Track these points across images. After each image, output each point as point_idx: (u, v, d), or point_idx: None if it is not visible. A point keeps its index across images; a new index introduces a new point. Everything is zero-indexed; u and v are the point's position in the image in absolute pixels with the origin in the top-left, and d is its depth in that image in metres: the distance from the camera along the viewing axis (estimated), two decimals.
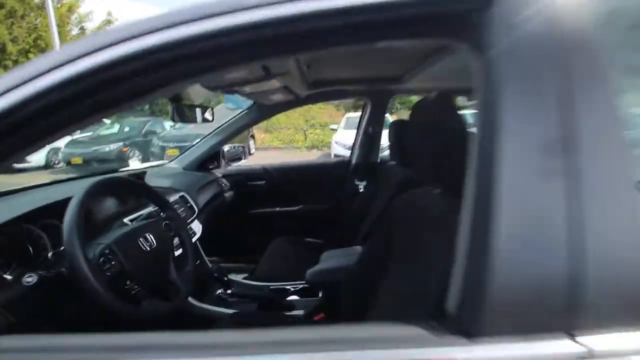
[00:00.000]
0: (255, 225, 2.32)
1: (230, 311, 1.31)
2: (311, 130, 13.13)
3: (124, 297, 0.81)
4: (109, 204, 1.18)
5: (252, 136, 10.65)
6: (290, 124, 13.86)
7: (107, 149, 8.44)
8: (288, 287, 1.52)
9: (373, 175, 2.06)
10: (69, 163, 8.36)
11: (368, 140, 2.15)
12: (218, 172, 2.21)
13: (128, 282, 0.80)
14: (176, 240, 1.17)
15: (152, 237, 0.94)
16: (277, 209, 2.31)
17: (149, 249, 0.91)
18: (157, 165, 2.11)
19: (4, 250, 0.87)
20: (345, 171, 2.29)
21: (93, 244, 0.80)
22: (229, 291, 1.40)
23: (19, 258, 0.89)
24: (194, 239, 1.49)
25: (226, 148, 2.41)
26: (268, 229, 2.32)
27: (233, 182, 2.25)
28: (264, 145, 11.98)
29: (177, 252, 1.23)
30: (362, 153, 2.20)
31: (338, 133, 8.34)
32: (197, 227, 1.58)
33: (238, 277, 1.59)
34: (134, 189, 1.09)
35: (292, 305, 1.35)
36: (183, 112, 1.38)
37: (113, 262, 0.80)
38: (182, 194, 1.58)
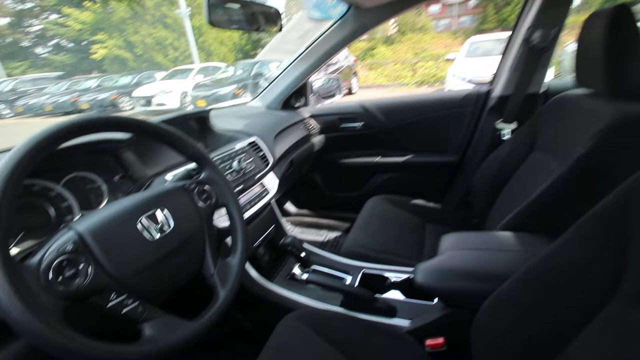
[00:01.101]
0: (349, 178, 1.89)
1: (304, 299, 0.96)
2: (421, 64, 11.41)
3: (107, 327, 0.49)
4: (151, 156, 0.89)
5: (355, 73, 9.85)
6: (397, 58, 12.35)
7: (223, 92, 9.07)
8: (388, 273, 1.07)
9: (530, 114, 1.30)
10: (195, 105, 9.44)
11: (529, 57, 1.34)
12: (306, 112, 1.79)
13: (113, 297, 0.48)
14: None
15: (166, 214, 0.59)
16: (378, 159, 1.80)
17: (157, 235, 0.56)
18: (239, 104, 1.81)
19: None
20: (479, 109, 1.57)
21: (59, 231, 0.48)
22: (304, 276, 1.04)
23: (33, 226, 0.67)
24: (266, 198, 1.15)
25: (316, 80, 1.94)
26: (364, 184, 1.86)
27: (324, 123, 1.81)
28: (366, 83, 11.07)
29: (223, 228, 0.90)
30: (512, 80, 1.42)
31: (457, 63, 6.84)
32: (271, 182, 1.23)
33: (322, 253, 1.22)
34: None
35: (390, 309, 0.91)
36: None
37: (81, 266, 0.48)
38: (253, 139, 1.22)
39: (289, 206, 2.05)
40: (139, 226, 0.54)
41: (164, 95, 9.44)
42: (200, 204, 0.67)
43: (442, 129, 1.67)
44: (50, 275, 0.43)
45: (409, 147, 1.76)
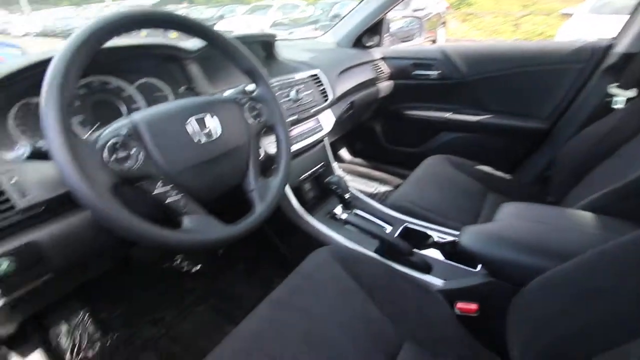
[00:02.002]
0: (411, 132, 1.76)
1: (339, 238, 0.96)
2: (528, 18, 9.64)
3: (151, 213, 0.54)
4: None
5: (444, 23, 8.76)
6: (499, 9, 10.59)
7: (298, 33, 8.89)
8: (432, 232, 1.02)
9: None
10: None
11: None
12: (378, 52, 1.65)
13: (159, 185, 0.51)
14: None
15: (215, 121, 0.59)
16: (448, 115, 1.62)
17: (203, 139, 0.57)
18: (309, 38, 1.73)
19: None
20: (591, 67, 1.29)
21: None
22: (343, 215, 1.03)
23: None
24: (319, 134, 1.12)
25: (395, 22, 1.75)
26: (426, 141, 1.73)
27: (395, 68, 1.66)
28: (455, 36, 9.82)
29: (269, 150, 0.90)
30: None
31: (575, 20, 5.62)
32: (327, 119, 1.19)
33: (367, 200, 1.18)
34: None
35: (426, 266, 0.87)
36: None
37: (133, 150, 0.51)
38: (315, 71, 1.17)
39: (343, 153, 2.01)
40: (188, 127, 0.56)
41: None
42: (250, 120, 0.67)
43: (536, 88, 1.41)
44: (105, 153, 0.47)
45: (488, 106, 1.55)
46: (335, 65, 1.32)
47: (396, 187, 1.82)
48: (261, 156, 0.89)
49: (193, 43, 0.89)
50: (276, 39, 1.16)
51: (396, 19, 1.84)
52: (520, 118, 1.48)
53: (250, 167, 0.66)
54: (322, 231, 0.99)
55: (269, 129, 0.72)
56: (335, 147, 1.98)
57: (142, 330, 1.05)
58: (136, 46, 0.76)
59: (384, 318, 0.67)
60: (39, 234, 0.58)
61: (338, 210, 1.09)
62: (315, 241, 1.00)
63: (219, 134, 0.59)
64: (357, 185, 1.86)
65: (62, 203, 0.58)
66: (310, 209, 1.12)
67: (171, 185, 0.52)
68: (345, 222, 0.92)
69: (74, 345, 0.99)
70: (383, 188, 1.83)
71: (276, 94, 0.96)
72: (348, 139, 1.96)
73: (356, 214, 1.09)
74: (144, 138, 0.51)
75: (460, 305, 0.77)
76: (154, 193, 0.51)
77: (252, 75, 0.69)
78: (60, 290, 0.78)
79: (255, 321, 0.63)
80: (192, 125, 0.56)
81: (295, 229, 1.03)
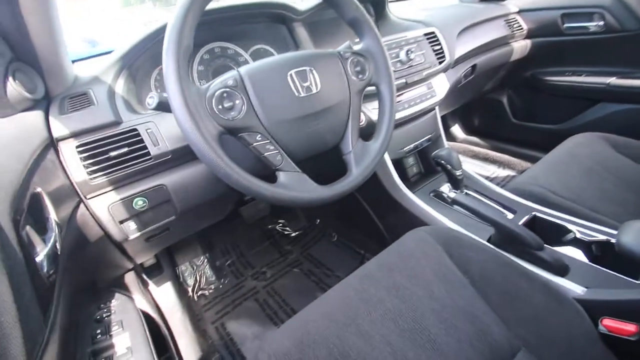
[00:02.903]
0: (551, 104, 1.41)
1: (443, 219, 0.84)
2: None
3: (256, 164, 0.54)
4: None
5: None
6: None
7: None
8: (572, 226, 0.79)
9: None
10: None
11: None
12: (513, 5, 1.36)
13: (259, 138, 0.51)
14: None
15: (315, 75, 0.56)
16: (612, 80, 1.23)
17: (303, 92, 0.54)
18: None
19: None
20: None
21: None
22: (452, 194, 0.90)
23: None
24: (430, 101, 0.99)
25: None
26: (573, 116, 1.36)
27: (536, 23, 1.34)
28: None
29: (371, 116, 0.82)
30: None
31: None
32: (441, 84, 1.04)
33: (483, 181, 1.00)
34: None
35: (561, 266, 0.68)
36: None
37: (237, 101, 0.51)
38: (431, 29, 1.02)
39: (456, 130, 1.78)
40: (289, 80, 0.54)
41: None
42: (353, 76, 0.61)
43: None
44: (214, 102, 0.49)
45: None
46: (456, 22, 1.13)
47: (521, 172, 1.51)
48: (363, 121, 0.83)
49: (303, 3, 0.88)
50: None
51: None
52: None
53: (349, 128, 0.61)
54: (425, 210, 0.88)
55: (374, 90, 0.65)
56: (447, 122, 1.77)
57: (247, 280, 1.17)
58: (247, 5, 0.79)
59: (495, 318, 0.55)
60: (166, 179, 0.67)
61: (445, 188, 0.96)
62: (417, 220, 0.90)
63: (319, 89, 0.56)
64: (469, 168, 1.63)
65: (185, 154, 0.65)
66: (412, 186, 1.02)
67: (269, 140, 0.52)
68: (454, 201, 0.79)
69: (195, 282, 1.17)
70: (504, 172, 1.55)
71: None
72: (463, 112, 1.71)
73: (467, 194, 0.94)
74: (247, 89, 0.51)
75: (608, 322, 0.58)
76: (253, 145, 0.52)
77: (357, 25, 0.62)
78: (183, 232, 0.92)
79: (344, 290, 0.60)
80: (292, 78, 0.54)
81: (395, 205, 0.95)
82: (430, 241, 0.70)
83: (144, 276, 1.03)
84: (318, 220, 1.38)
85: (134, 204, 0.64)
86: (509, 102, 1.54)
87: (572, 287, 0.65)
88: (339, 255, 1.23)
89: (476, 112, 1.67)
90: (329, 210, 1.33)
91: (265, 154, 0.52)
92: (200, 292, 1.14)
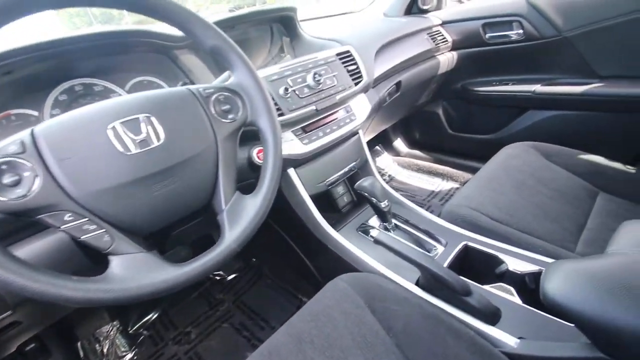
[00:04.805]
0: (484, 114, 1.39)
1: (371, 262, 0.74)
2: None
3: (65, 255, 0.41)
4: None
5: None
6: None
7: None
8: (504, 256, 0.72)
9: None
10: None
11: None
12: (436, 17, 1.33)
13: (69, 218, 0.38)
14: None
15: (155, 124, 0.43)
16: (537, 87, 1.22)
17: (135, 149, 0.42)
18: (351, 13, 1.49)
19: None
20: None
21: None
22: (374, 232, 0.81)
23: None
24: (349, 126, 0.90)
25: None
26: (506, 125, 1.34)
27: (460, 34, 1.32)
28: None
29: (254, 155, 0.71)
30: None
31: None
32: (361, 106, 0.96)
33: (414, 207, 0.91)
34: None
35: (491, 313, 0.60)
36: None
37: (27, 173, 0.36)
38: (345, 48, 0.94)
39: (399, 144, 1.73)
40: (109, 133, 0.41)
41: None
42: (219, 118, 0.50)
43: None
44: None
45: (597, 70, 1.11)
46: (375, 39, 1.07)
47: (464, 183, 1.48)
48: (245, 165, 0.72)
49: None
50: (295, 8, 0.96)
51: None
52: None
53: (219, 181, 0.49)
54: (350, 252, 0.78)
55: (247, 126, 0.54)
56: (389, 138, 1.71)
57: (168, 347, 1.00)
58: (99, 35, 0.65)
59: None
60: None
61: (373, 222, 0.87)
62: (344, 263, 0.79)
63: (162, 140, 0.44)
64: (415, 183, 1.57)
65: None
66: (342, 219, 0.91)
67: (86, 218, 0.39)
68: (376, 241, 0.70)
69: (102, 358, 0.98)
70: (447, 185, 1.51)
71: (289, 79, 0.79)
72: (404, 127, 1.67)
73: (396, 227, 0.85)
74: (42, 154, 0.38)
75: None
76: (62, 228, 0.38)
77: (220, 55, 0.51)
78: (46, 318, 0.75)
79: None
80: (116, 132, 0.41)
81: (321, 246, 0.84)
82: (351, 294, 0.62)
83: None
84: (254, 259, 1.24)
85: None
86: (445, 114, 1.51)
87: (504, 339, 0.56)
88: (276, 301, 1.09)
89: (416, 126, 1.64)
90: (262, 248, 1.20)
91: (84, 236, 0.39)
92: None
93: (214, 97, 0.50)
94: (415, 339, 0.55)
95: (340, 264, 0.80)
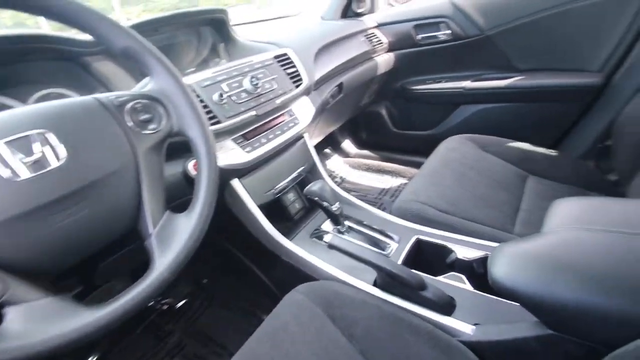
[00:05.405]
0: (423, 111, 1.45)
1: (327, 267, 0.71)
2: None
3: None
4: None
5: None
6: None
7: None
8: (453, 245, 0.74)
9: None
10: None
11: None
12: (371, 20, 1.36)
13: None
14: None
15: (53, 141, 0.37)
16: (467, 83, 1.30)
17: (26, 173, 0.34)
18: (287, 17, 1.47)
19: None
20: None
21: None
22: (328, 237, 0.79)
23: None
24: (293, 130, 0.88)
25: None
26: (443, 120, 1.42)
27: (394, 35, 1.36)
28: None
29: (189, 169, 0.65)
30: None
31: None
32: (304, 110, 0.93)
33: (365, 206, 0.91)
34: None
35: (446, 304, 0.60)
36: None
37: None
38: (283, 51, 0.92)
39: (348, 145, 1.74)
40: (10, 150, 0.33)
41: None
42: (138, 129, 0.44)
43: (581, 32, 1.07)
44: None
45: (518, 65, 1.22)
46: (313, 41, 1.06)
47: (411, 178, 1.53)
48: (181, 180, 0.65)
49: None
50: (226, 10, 0.91)
51: None
52: (562, 74, 1.14)
53: (144, 201, 0.43)
54: (305, 260, 0.74)
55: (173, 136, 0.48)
56: (337, 140, 1.72)
57: None
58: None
59: None
60: None
61: (327, 226, 0.84)
62: (300, 272, 0.76)
63: (62, 161, 0.37)
64: (365, 182, 1.59)
65: None
66: (295, 226, 0.88)
67: None
68: (330, 246, 0.67)
69: None
70: (397, 181, 1.55)
71: (224, 84, 0.74)
72: (351, 128, 1.69)
73: (350, 228, 0.83)
74: None
75: None
76: None
77: (135, 58, 0.45)
78: None
79: None
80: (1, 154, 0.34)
81: (274, 258, 0.80)
82: (309, 306, 0.59)
83: None
84: (205, 280, 1.15)
85: None
86: (387, 113, 1.55)
87: (460, 327, 0.57)
88: (232, 322, 1.02)
89: (362, 126, 1.66)
90: (213, 268, 1.11)
91: None
92: None
93: (128, 106, 0.44)
94: (377, 342, 0.54)
95: (296, 275, 0.76)
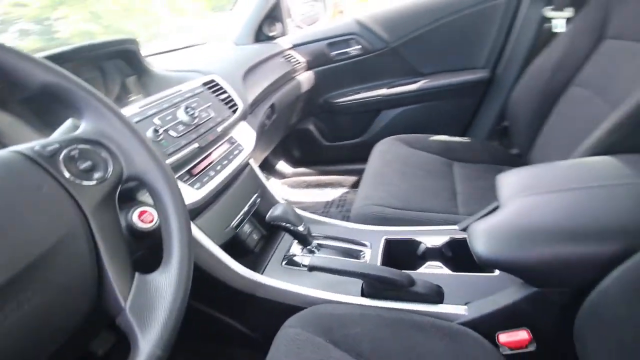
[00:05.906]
0: (348, 121, 1.53)
1: (311, 292, 0.68)
2: None
3: None
4: None
5: None
6: None
7: None
8: (420, 237, 0.78)
9: None
10: None
11: None
12: (286, 42, 1.39)
13: None
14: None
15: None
16: (383, 91, 1.42)
17: None
18: (198, 45, 1.41)
19: None
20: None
21: None
22: (305, 260, 0.76)
23: None
24: (239, 158, 0.82)
25: (293, 2, 1.51)
26: (369, 127, 1.51)
27: (310, 54, 1.42)
28: None
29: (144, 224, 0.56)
30: None
31: None
32: (245, 135, 0.89)
33: (328, 221, 0.90)
34: None
35: (436, 293, 0.62)
36: None
37: None
38: (210, 77, 0.87)
39: (282, 166, 1.73)
40: None
41: None
42: (78, 181, 0.35)
43: (465, 36, 1.27)
44: None
45: (422, 69, 1.38)
46: (237, 65, 1.03)
47: (352, 185, 1.59)
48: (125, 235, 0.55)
49: None
50: (136, 40, 0.81)
51: (297, 5, 1.60)
52: (457, 73, 1.33)
53: (106, 272, 0.33)
54: (285, 290, 0.69)
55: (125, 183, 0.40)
56: (271, 163, 1.69)
57: None
58: None
59: None
60: None
61: (296, 249, 0.80)
62: (282, 307, 0.70)
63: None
64: (310, 199, 1.59)
65: None
66: (258, 259, 0.82)
67: None
68: (312, 268, 0.64)
69: None
70: (339, 191, 1.59)
71: (156, 118, 0.66)
72: (283, 148, 1.68)
73: (320, 246, 0.81)
74: None
75: (504, 338, 0.54)
76: None
77: (60, 95, 0.36)
78: None
79: None
80: None
81: (249, 299, 0.72)
82: (307, 337, 0.54)
83: None
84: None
85: None
86: (316, 128, 1.59)
87: (455, 311, 0.59)
88: None
89: (293, 145, 1.67)
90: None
91: None
92: None
93: (62, 154, 0.35)
94: (387, 352, 0.53)
95: (277, 310, 0.70)
